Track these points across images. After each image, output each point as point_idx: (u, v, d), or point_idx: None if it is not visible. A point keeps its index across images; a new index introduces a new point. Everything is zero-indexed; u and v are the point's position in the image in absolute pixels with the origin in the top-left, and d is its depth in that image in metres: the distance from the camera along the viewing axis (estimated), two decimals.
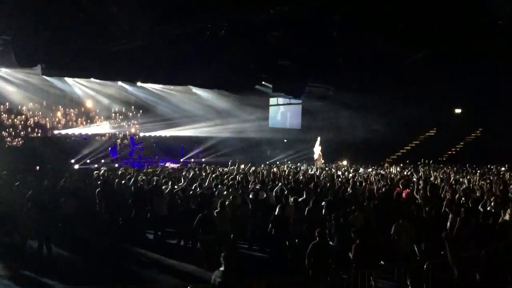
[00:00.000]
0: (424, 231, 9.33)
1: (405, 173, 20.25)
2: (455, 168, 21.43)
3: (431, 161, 24.33)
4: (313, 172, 20.44)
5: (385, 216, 10.19)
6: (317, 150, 26.13)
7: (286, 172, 19.19)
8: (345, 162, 25.76)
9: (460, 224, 8.90)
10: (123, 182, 14.67)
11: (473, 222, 8.89)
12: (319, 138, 26.28)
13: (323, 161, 25.76)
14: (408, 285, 8.74)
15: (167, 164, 24.76)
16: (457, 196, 12.03)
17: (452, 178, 17.30)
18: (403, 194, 13.07)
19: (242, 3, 14.06)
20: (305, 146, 29.28)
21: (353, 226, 9.22)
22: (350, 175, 18.54)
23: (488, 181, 16.09)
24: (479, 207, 10.56)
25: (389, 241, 9.11)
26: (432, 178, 17.19)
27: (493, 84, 24.55)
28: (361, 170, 21.88)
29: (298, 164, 24.52)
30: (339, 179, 16.76)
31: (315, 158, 25.94)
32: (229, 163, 21.53)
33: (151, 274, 10.42)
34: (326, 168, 22.80)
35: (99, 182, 14.49)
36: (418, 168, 22.28)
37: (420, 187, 13.48)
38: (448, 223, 9.63)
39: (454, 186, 14.38)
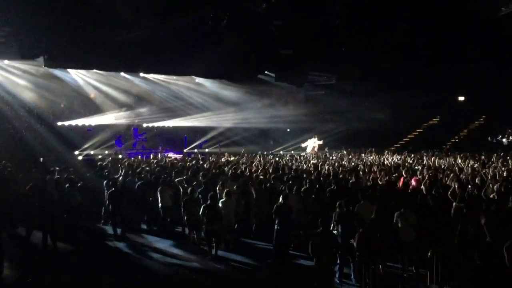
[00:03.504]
0: (428, 218, 9.32)
1: (408, 161, 20.19)
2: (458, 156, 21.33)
3: (435, 150, 24.32)
4: (315, 161, 20.38)
5: (389, 204, 10.19)
6: (310, 147, 25.75)
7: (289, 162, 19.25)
8: (345, 152, 25.50)
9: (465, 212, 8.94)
10: (129, 172, 14.71)
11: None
12: (315, 139, 25.91)
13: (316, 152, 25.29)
14: (413, 272, 8.83)
15: (170, 155, 24.76)
16: (460, 184, 12.00)
17: (455, 165, 17.28)
18: (413, 182, 12.96)
19: None
20: (309, 135, 29.25)
21: (356, 214, 9.23)
22: (353, 163, 18.53)
23: (492, 168, 16.04)
24: (482, 194, 10.61)
25: (393, 230, 9.12)
26: (436, 165, 17.20)
27: (497, 71, 24.43)
28: (364, 158, 21.85)
29: (303, 153, 24.43)
30: (341, 168, 16.75)
31: (307, 152, 25.25)
32: (242, 152, 21.79)
33: (154, 264, 10.46)
34: (331, 157, 22.62)
35: (105, 172, 14.53)
36: (422, 156, 22.20)
37: (424, 175, 13.46)
38: (452, 211, 9.67)
39: (458, 174, 14.36)
